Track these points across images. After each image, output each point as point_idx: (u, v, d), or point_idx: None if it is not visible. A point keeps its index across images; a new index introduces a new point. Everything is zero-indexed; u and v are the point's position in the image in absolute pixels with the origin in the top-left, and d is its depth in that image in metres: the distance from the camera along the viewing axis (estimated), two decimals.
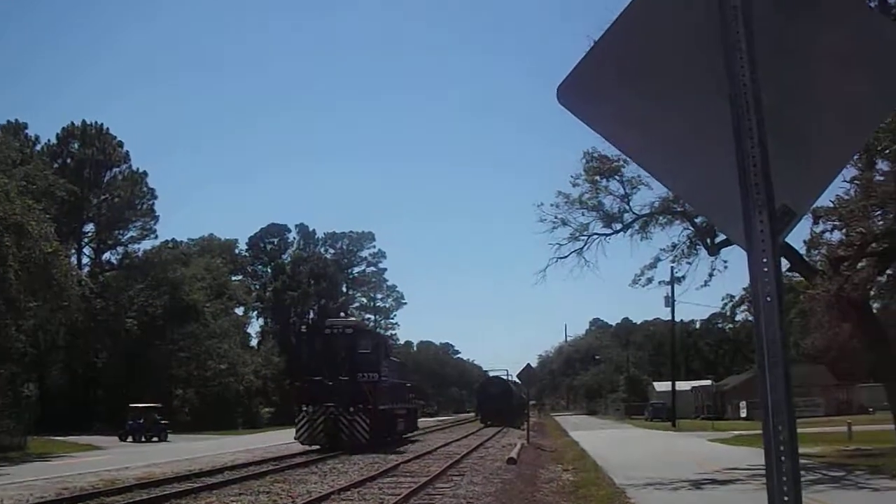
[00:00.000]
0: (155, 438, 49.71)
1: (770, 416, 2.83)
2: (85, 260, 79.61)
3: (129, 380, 68.55)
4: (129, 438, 48.97)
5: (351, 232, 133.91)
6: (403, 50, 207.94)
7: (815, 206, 30.90)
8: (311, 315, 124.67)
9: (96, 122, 79.68)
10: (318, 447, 36.20)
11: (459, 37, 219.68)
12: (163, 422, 52.19)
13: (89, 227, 79.96)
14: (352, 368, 37.99)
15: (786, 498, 2.79)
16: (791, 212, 3.00)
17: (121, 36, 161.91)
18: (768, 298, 2.89)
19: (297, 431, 37.24)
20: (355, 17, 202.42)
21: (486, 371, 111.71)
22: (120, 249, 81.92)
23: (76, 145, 78.34)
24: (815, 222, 32.45)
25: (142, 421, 50.45)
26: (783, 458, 2.81)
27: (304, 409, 36.95)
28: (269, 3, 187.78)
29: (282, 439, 47.50)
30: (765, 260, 2.91)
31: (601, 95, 3.29)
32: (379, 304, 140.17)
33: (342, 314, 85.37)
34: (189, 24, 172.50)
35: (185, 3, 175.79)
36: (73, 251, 74.37)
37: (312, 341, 42.41)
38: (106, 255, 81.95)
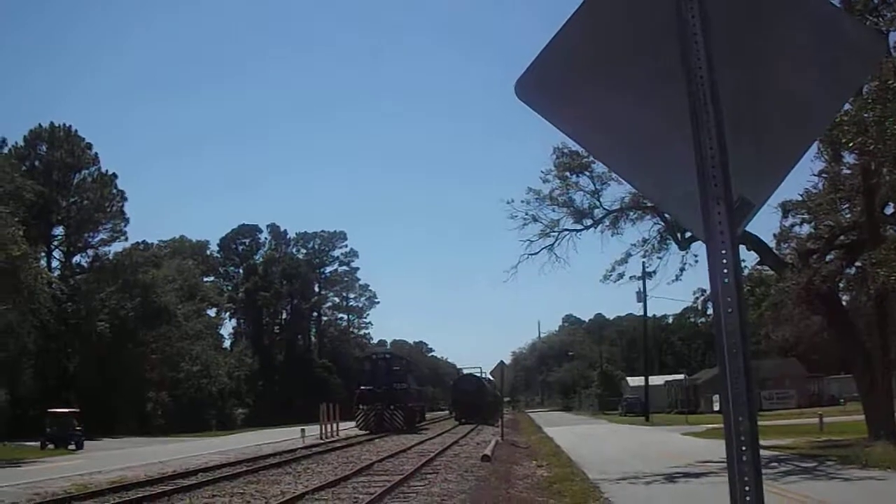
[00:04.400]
0: (71, 446, 46.16)
1: (731, 407, 2.82)
2: (55, 263, 78.85)
3: (101, 384, 67.97)
4: (51, 445, 45.66)
5: (322, 231, 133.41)
6: (380, 58, 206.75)
7: (784, 199, 31.22)
8: (285, 315, 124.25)
9: (64, 124, 78.79)
10: (368, 431, 52.57)
11: (433, 42, 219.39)
12: (78, 428, 48.13)
13: (59, 230, 79.12)
14: (390, 380, 56.82)
15: (747, 488, 2.79)
16: (749, 203, 3.00)
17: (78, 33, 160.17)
18: (727, 289, 2.90)
19: (356, 421, 55.62)
20: (331, 28, 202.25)
21: (459, 368, 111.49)
22: (90, 252, 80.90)
23: (44, 147, 77.44)
24: (785, 216, 32.77)
25: (55, 428, 47.03)
26: (744, 447, 2.80)
27: (362, 407, 55.63)
28: (235, 16, 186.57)
29: (256, 440, 47.31)
30: (724, 251, 2.91)
31: (559, 89, 3.26)
32: (352, 303, 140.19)
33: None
34: (157, 30, 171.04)
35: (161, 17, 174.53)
36: (43, 254, 73.63)
37: (363, 364, 65.80)
38: (76, 258, 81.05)
